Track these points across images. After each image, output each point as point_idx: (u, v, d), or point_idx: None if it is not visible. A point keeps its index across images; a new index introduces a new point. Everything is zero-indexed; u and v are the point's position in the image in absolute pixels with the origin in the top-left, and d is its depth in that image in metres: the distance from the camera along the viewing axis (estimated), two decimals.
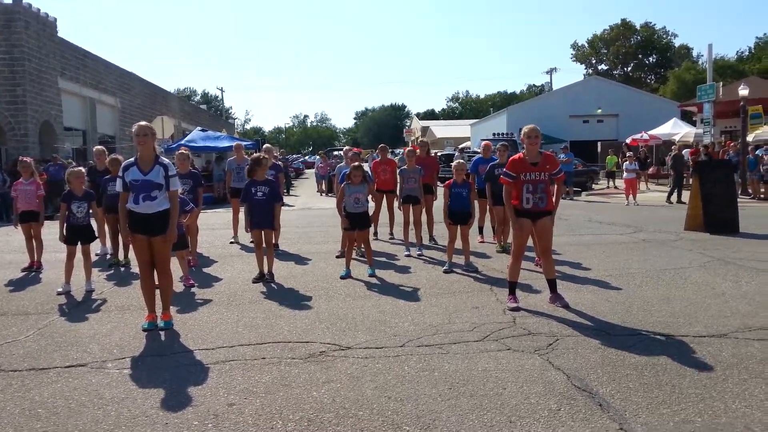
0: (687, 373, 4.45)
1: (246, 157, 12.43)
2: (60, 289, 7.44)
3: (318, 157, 32.75)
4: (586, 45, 70.73)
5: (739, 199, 12.68)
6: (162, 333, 5.73)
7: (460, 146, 42.50)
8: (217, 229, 13.57)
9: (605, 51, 69.05)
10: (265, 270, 8.00)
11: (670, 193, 19.80)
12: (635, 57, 68.10)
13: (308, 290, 7.39)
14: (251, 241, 11.40)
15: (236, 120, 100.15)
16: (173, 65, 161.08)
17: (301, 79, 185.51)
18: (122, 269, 9.13)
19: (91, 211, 7.90)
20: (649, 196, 22.06)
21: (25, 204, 9.16)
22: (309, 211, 18.73)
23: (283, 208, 10.35)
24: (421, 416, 3.82)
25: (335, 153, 42.41)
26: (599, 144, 38.14)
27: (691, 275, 7.81)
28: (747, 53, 62.25)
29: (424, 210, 10.20)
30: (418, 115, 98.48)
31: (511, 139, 30.65)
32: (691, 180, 22.57)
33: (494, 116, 56.45)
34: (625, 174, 20.66)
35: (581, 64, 71.97)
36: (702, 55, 67.56)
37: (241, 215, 11.63)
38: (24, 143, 24.24)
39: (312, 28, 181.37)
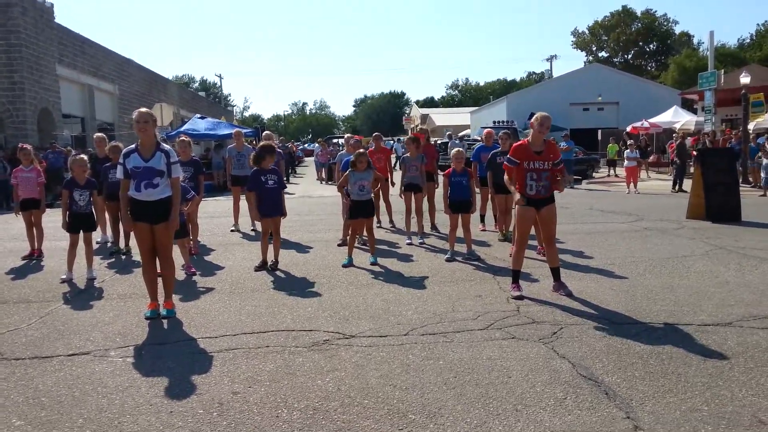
0: (693, 361, 4.44)
1: (247, 144, 12.40)
2: (63, 277, 7.43)
3: (317, 144, 32.63)
4: (587, 32, 70.41)
5: (740, 188, 12.65)
6: (164, 321, 5.71)
7: (459, 134, 42.33)
8: (217, 217, 13.54)
9: (606, 38, 68.71)
10: (269, 258, 7.97)
11: (675, 182, 19.74)
12: (636, 44, 67.77)
13: (311, 278, 7.36)
14: (252, 229, 11.45)
15: (235, 107, 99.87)
16: (171, 52, 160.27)
17: (300, 66, 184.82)
18: (123, 257, 9.10)
19: (91, 199, 7.86)
20: (649, 185, 22.03)
21: (26, 191, 9.12)
22: (309, 198, 18.69)
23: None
24: (426, 405, 3.81)
25: (334, 141, 42.32)
26: (599, 132, 38.03)
27: (694, 264, 7.79)
28: (748, 41, 62.00)
29: (425, 198, 10.16)
30: (417, 102, 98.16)
31: (512, 127, 30.52)
32: (692, 168, 22.78)
33: (494, 104, 56.25)
34: (626, 162, 20.62)
35: (582, 51, 71.74)
36: (703, 43, 67.37)
37: (243, 203, 11.69)
38: (23, 130, 24.15)
39: (311, 16, 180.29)
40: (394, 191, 10.77)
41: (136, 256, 8.86)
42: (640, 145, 25.60)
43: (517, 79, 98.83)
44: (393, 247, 9.47)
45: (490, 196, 10.29)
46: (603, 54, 69.05)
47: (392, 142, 39.79)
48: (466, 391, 3.99)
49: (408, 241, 9.71)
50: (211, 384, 4.20)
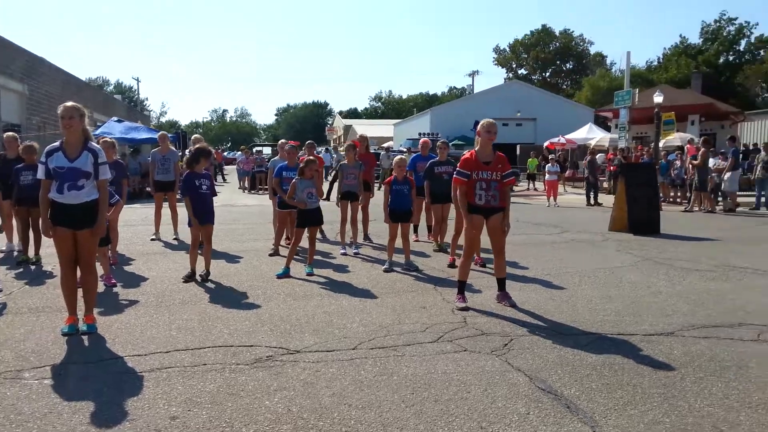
0: (645, 372, 4.42)
1: (173, 148, 11.78)
2: None
3: (241, 153, 31.79)
4: (508, 49, 72.67)
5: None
6: (85, 338, 5.19)
7: (384, 145, 42.50)
8: (133, 225, 12.82)
9: (525, 56, 71.14)
10: (199, 269, 7.51)
11: (588, 196, 20.42)
12: (553, 63, 70.53)
13: (244, 290, 6.97)
14: (174, 238, 10.85)
15: (152, 112, 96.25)
16: (86, 52, 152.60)
17: (221, 72, 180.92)
18: (32, 267, 8.35)
19: None
20: (567, 198, 22.73)
21: None
22: (233, 207, 18.05)
23: None
24: (386, 425, 3.57)
25: (257, 149, 41.41)
26: (518, 147, 39.13)
27: (626, 275, 7.95)
28: (655, 63, 65.73)
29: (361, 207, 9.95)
30: (341, 113, 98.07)
31: (436, 140, 30.97)
32: (605, 183, 23.70)
33: (417, 116, 56.97)
34: (547, 176, 21.18)
35: (503, 68, 73.85)
36: (615, 63, 70.91)
37: (165, 210, 11.07)
38: None
39: (234, 21, 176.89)
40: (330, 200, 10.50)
41: (47, 266, 8.21)
42: (558, 160, 26.44)
43: (439, 93, 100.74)
44: (327, 258, 9.18)
45: (425, 205, 10.19)
46: (522, 71, 71.41)
47: (322, 150, 39.40)
48: (426, 409, 3.77)
49: (342, 251, 9.45)
50: (144, 408, 3.78)
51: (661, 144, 24.65)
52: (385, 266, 8.14)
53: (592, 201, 20.01)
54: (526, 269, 8.29)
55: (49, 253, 9.77)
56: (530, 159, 28.49)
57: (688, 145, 21.54)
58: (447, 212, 9.83)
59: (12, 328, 5.48)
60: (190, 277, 7.48)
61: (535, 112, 47.92)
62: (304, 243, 8.08)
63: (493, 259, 6.46)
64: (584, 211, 18.10)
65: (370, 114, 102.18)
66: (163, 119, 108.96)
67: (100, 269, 7.06)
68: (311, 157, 8.30)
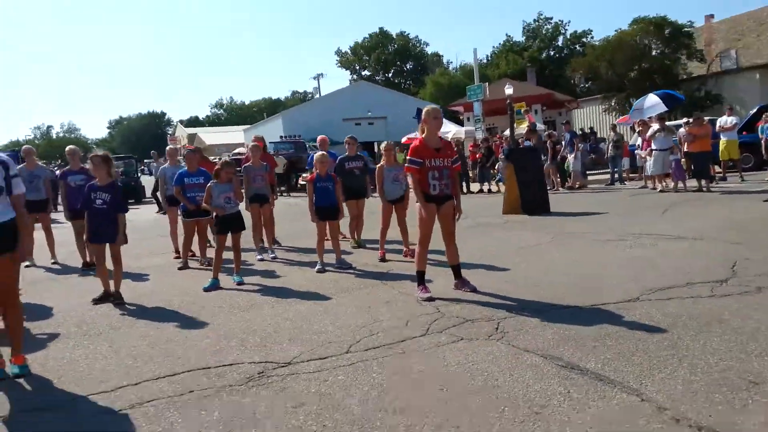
0: (643, 337, 4.50)
1: (40, 164, 10.39)
2: None
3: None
4: (350, 52, 73.57)
5: None
6: (21, 381, 4.32)
7: (234, 151, 41.17)
8: None
9: (367, 58, 72.46)
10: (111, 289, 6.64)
11: (461, 185, 21.16)
12: (394, 64, 72.55)
13: (176, 308, 6.25)
14: (53, 262, 9.58)
15: None
16: None
17: (39, 86, 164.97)
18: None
19: None
20: None
21: None
22: None
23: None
24: (439, 426, 3.28)
25: None
26: (375, 144, 39.70)
27: (550, 251, 8.22)
28: (485, 60, 69.95)
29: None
30: (182, 122, 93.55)
31: (300, 141, 30.68)
32: (470, 172, 24.75)
33: (268, 121, 55.81)
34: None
35: (347, 70, 74.58)
36: (452, 62, 74.45)
37: (39, 233, 9.73)
38: None
39: (50, 28, 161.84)
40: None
41: None
42: None
43: (282, 98, 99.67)
44: (246, 265, 8.52)
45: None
46: (366, 73, 72.68)
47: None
48: (469, 403, 3.54)
49: (259, 257, 8.87)
50: None
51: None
52: (317, 267, 7.72)
53: (464, 189, 20.75)
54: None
55: None
56: (398, 154, 28.89)
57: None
58: (362, 207, 9.61)
59: None
60: (102, 298, 6.60)
61: (384, 110, 48.91)
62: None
63: (445, 248, 6.33)
64: (464, 198, 18.63)
65: (213, 122, 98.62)
66: None
67: None
68: (226, 159, 7.68)
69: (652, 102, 16.91)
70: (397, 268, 7.70)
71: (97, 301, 6.61)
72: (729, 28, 39.31)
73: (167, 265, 8.84)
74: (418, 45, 73.69)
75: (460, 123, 38.38)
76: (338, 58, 74.73)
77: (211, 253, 8.35)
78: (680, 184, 15.42)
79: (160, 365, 4.48)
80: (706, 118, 16.77)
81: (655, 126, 16.02)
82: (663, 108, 16.95)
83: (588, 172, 20.92)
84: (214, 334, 5.19)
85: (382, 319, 5.36)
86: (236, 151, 33.18)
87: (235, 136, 62.04)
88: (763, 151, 17.52)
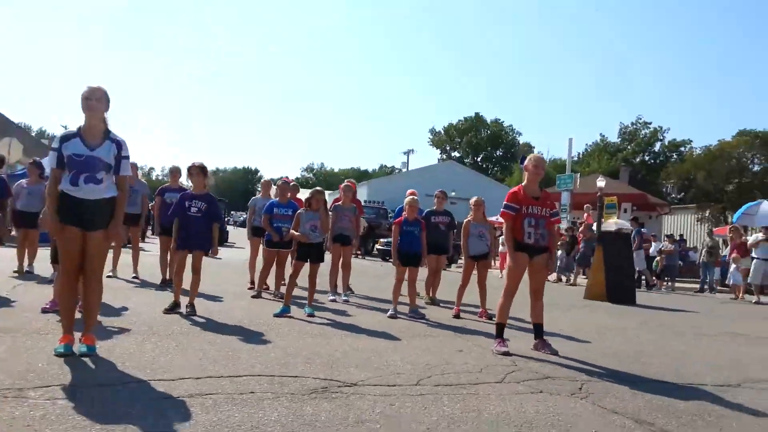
0: (749, 420, 4.00)
1: (141, 179, 10.83)
2: None
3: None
4: (443, 132, 75.09)
5: None
6: (86, 360, 4.28)
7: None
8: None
9: (459, 140, 73.67)
10: (183, 297, 6.67)
11: None
12: (485, 149, 73.31)
13: (247, 326, 6.16)
14: (134, 277, 9.79)
15: None
16: None
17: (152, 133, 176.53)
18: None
19: None
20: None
21: None
22: None
23: None
24: None
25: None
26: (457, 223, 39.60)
27: (640, 334, 7.66)
28: (576, 157, 69.53)
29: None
30: (273, 181, 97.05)
31: (383, 208, 31.16)
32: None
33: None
34: (500, 248, 21.25)
35: (437, 149, 75.98)
36: (542, 153, 74.07)
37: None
38: None
39: (159, 87, 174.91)
40: None
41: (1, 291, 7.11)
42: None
43: (370, 170, 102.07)
44: (317, 303, 8.41)
45: None
46: (456, 154, 73.67)
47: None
48: None
49: (331, 298, 8.74)
50: None
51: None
52: (389, 312, 7.51)
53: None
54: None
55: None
56: None
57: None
58: (442, 264, 9.40)
59: None
60: (172, 308, 6.62)
61: (469, 192, 48.68)
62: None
63: (530, 303, 6.01)
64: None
65: (302, 184, 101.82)
66: None
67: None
68: (319, 188, 7.74)
69: (767, 211, 16.02)
70: (471, 325, 7.37)
71: (168, 311, 6.63)
72: None
73: (242, 293, 8.85)
74: (510, 133, 74.31)
75: None
76: (431, 137, 76.30)
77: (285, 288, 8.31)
78: None
79: (224, 367, 4.35)
80: None
81: (760, 235, 15.13)
82: None
83: (677, 280, 19.89)
84: (280, 351, 5.03)
85: (454, 362, 5.05)
86: None
87: None
88: None
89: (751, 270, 14.84)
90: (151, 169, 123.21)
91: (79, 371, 3.99)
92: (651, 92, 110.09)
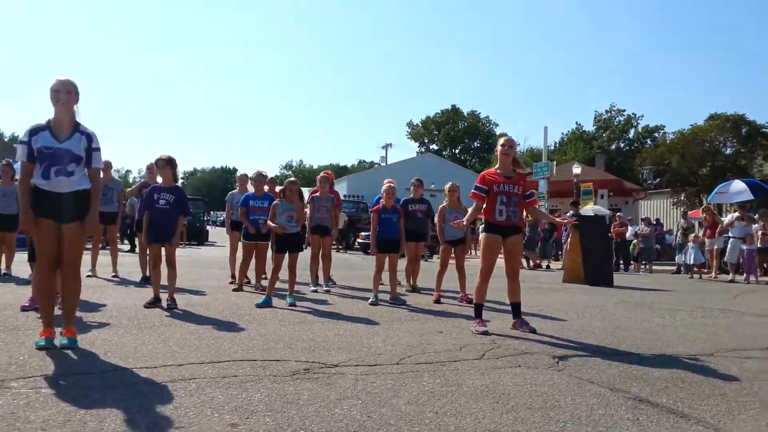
0: (719, 384, 4.12)
1: (116, 178, 10.76)
2: None
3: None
4: (420, 125, 75.21)
5: None
6: (68, 352, 4.29)
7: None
8: None
9: (436, 132, 73.85)
10: (163, 293, 6.66)
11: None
12: (463, 140, 73.57)
13: (228, 317, 6.18)
14: (113, 275, 9.73)
15: None
16: None
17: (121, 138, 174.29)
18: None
19: None
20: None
21: None
22: None
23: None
24: (494, 430, 3.03)
25: None
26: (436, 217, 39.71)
27: (616, 311, 7.81)
28: (553, 147, 70.03)
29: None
30: (251, 177, 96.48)
31: (362, 202, 31.19)
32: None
33: (335, 183, 57.00)
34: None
35: (415, 142, 76.11)
36: (519, 144, 74.62)
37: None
38: None
39: (141, 81, 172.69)
40: None
41: None
42: None
43: (349, 165, 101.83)
44: (298, 295, 8.45)
45: None
46: (434, 146, 73.82)
47: None
48: (524, 416, 3.26)
49: (312, 288, 8.79)
50: (190, 416, 3.04)
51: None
52: (370, 300, 7.57)
53: (522, 263, 20.33)
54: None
55: None
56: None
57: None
58: (420, 251, 9.47)
59: None
60: (153, 303, 6.61)
61: (445, 186, 49.17)
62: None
63: (507, 284, 6.11)
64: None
65: (281, 182, 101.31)
66: None
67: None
68: (293, 179, 7.78)
69: (738, 188, 16.38)
70: (451, 309, 7.46)
71: (148, 305, 6.62)
72: None
73: (223, 287, 8.85)
74: (487, 124, 74.62)
75: None
76: (409, 130, 76.38)
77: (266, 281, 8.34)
78: (752, 277, 14.62)
79: (206, 354, 4.38)
80: None
81: (736, 214, 15.44)
82: (749, 196, 16.37)
83: (654, 263, 20.21)
84: (261, 338, 5.07)
85: (434, 342, 5.14)
86: None
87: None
88: None
89: (728, 249, 15.14)
90: (128, 171, 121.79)
91: (61, 362, 4.01)
92: (624, 80, 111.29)
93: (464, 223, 6.27)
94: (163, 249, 6.80)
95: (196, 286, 8.81)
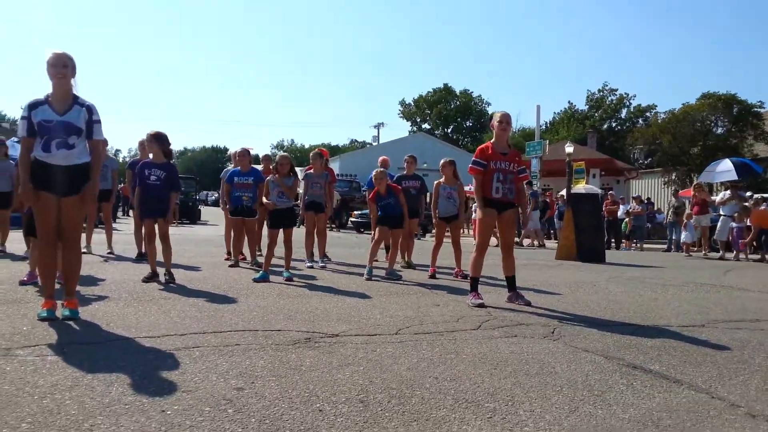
0: (710, 352, 4.23)
1: (110, 155, 10.73)
2: None
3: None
4: (413, 104, 74.89)
5: None
6: (70, 323, 4.33)
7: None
8: None
9: (429, 111, 73.59)
10: (159, 268, 6.70)
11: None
12: (455, 120, 73.39)
13: (226, 291, 6.23)
14: (108, 252, 9.75)
15: None
16: None
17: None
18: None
19: None
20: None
21: None
22: None
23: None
24: (493, 393, 3.11)
25: None
26: (428, 195, 39.79)
27: (609, 286, 7.92)
28: (545, 126, 70.05)
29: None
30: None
31: (355, 181, 31.21)
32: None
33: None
34: (474, 215, 21.58)
35: (408, 121, 75.81)
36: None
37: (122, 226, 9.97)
38: None
39: (132, 59, 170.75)
40: None
41: None
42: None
43: (341, 145, 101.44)
44: (294, 270, 8.51)
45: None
46: (426, 126, 73.61)
47: None
48: (524, 381, 3.35)
49: (308, 264, 8.84)
50: (196, 381, 3.10)
51: (563, 192, 25.88)
52: (365, 275, 7.63)
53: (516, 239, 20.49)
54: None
55: None
56: None
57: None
58: (414, 227, 9.53)
59: None
60: (151, 278, 6.65)
61: (439, 163, 49.20)
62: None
63: (502, 258, 6.19)
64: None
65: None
66: None
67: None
68: (284, 153, 7.81)
69: (726, 168, 16.52)
70: (447, 284, 7.55)
71: (146, 280, 6.65)
72: None
73: (219, 263, 8.89)
74: (480, 103, 74.39)
75: None
76: (401, 109, 76.04)
77: (261, 257, 8.39)
78: (740, 255, 14.81)
79: (208, 324, 4.44)
80: None
81: (728, 192, 15.57)
82: (734, 176, 16.51)
83: (645, 241, 20.41)
84: (261, 310, 5.14)
85: (431, 315, 5.23)
86: None
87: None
88: None
89: (718, 226, 15.29)
90: (118, 151, 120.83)
91: (65, 332, 4.05)
92: (617, 59, 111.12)
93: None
94: (156, 225, 6.81)
95: (192, 262, 8.84)
